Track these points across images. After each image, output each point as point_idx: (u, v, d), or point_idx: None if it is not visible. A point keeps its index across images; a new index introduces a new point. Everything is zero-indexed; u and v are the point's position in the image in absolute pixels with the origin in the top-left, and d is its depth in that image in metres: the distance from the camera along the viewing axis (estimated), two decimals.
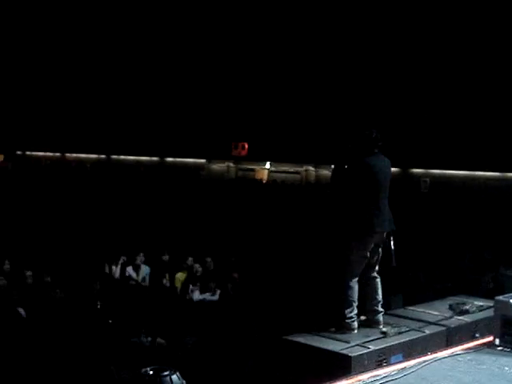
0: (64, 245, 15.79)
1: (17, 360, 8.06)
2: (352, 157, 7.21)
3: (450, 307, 7.91)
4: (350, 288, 7.05)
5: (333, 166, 7.54)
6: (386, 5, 29.97)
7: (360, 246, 7.01)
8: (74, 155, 45.37)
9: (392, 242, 7.17)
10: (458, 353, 6.51)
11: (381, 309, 7.23)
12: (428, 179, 29.75)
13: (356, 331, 6.97)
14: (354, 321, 7.02)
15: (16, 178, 31.50)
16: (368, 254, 7.07)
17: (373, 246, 7.09)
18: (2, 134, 47.70)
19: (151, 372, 3.83)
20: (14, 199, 22.32)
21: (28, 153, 48.42)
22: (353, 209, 7.07)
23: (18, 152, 48.49)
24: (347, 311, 6.98)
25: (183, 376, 3.96)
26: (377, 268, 7.27)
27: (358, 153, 7.15)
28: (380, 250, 7.18)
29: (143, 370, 3.83)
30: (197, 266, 13.40)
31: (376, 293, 7.23)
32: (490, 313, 7.29)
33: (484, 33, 27.23)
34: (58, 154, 46.68)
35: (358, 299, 7.09)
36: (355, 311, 7.04)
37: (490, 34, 27.06)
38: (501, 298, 6.78)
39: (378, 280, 7.28)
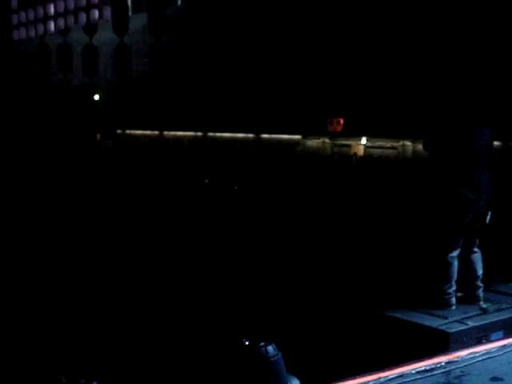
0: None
1: None
2: (450, 127, 7.10)
3: None
4: (448, 263, 6.92)
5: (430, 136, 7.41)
6: None
7: (455, 218, 6.87)
8: (172, 133, 46.23)
9: (489, 215, 6.98)
10: None
11: (480, 284, 7.06)
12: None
13: (454, 307, 6.84)
14: (452, 297, 6.89)
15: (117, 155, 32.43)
16: (464, 227, 6.92)
17: (470, 217, 6.93)
18: (103, 113, 49.23)
19: (247, 342, 3.88)
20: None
21: (128, 131, 49.74)
22: (448, 179, 6.97)
23: (118, 131, 49.90)
24: (446, 287, 6.86)
25: (279, 348, 4.00)
26: (477, 242, 7.10)
27: (456, 124, 7.05)
28: (478, 223, 7.01)
29: (239, 340, 3.89)
30: None
31: (476, 267, 7.07)
32: None
33: None
34: (156, 132, 47.71)
35: (459, 274, 6.95)
36: (454, 287, 6.91)
37: None
38: None
39: (478, 254, 7.11)
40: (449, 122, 7.16)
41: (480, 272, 7.08)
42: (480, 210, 6.95)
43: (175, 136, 45.58)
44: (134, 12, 50.19)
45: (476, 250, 7.11)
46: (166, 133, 46.89)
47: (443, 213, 6.96)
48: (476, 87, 26.72)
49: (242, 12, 38.76)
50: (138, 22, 49.04)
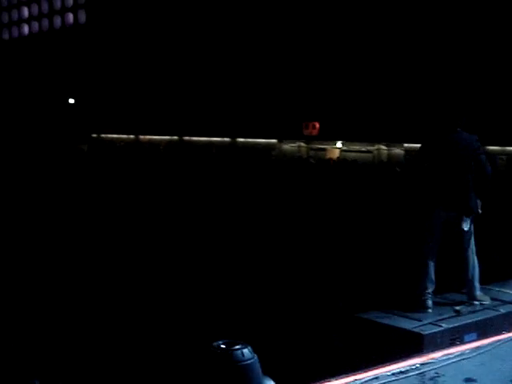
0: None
1: None
2: (429, 134, 7.27)
3: None
4: (423, 266, 7.00)
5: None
6: None
7: (426, 222, 7.00)
8: (148, 137, 46.09)
9: (465, 221, 7.05)
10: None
11: (473, 284, 7.23)
12: (505, 157, 29.07)
13: (431, 310, 6.92)
14: (427, 299, 6.97)
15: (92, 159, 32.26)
16: (437, 232, 7.02)
17: (440, 222, 7.06)
18: (78, 117, 48.94)
19: (223, 346, 3.88)
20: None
21: (103, 135, 49.48)
22: (424, 183, 7.09)
23: (94, 135, 49.62)
24: (421, 290, 6.95)
25: (255, 351, 4.00)
26: (466, 245, 7.19)
27: (438, 130, 7.20)
28: (456, 228, 7.10)
29: (214, 343, 3.89)
30: None
31: (466, 268, 7.23)
32: None
33: None
34: (131, 136, 47.53)
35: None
36: (429, 289, 6.99)
37: None
38: None
39: (467, 257, 7.21)
40: (429, 128, 7.32)
41: (470, 273, 7.17)
42: (452, 216, 7.05)
43: (151, 140, 45.44)
44: None
45: (467, 253, 7.21)
46: (141, 137, 46.74)
47: (418, 217, 7.08)
48: (455, 93, 26.96)
49: (217, 13, 38.78)
50: None
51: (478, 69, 28.47)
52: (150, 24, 42.28)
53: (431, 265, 7.02)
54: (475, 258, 7.28)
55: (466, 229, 7.05)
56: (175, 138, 44.71)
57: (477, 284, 7.28)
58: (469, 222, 7.07)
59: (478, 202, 7.15)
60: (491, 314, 6.85)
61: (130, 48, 43.85)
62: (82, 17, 51.70)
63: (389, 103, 31.25)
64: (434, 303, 7.06)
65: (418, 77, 30.28)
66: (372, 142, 34.10)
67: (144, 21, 42.69)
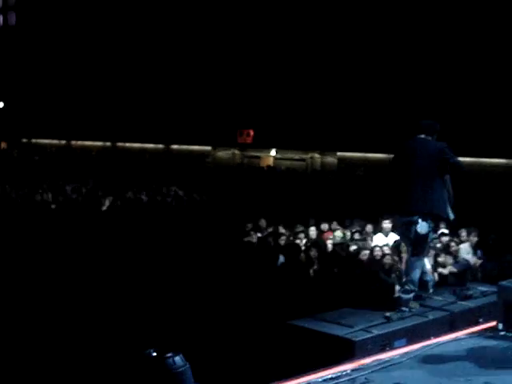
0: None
1: None
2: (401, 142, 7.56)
3: (454, 292, 7.93)
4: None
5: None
6: None
7: (397, 223, 7.29)
8: (80, 142, 45.39)
9: (420, 225, 7.21)
10: (461, 337, 6.53)
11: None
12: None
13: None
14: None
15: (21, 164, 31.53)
16: (404, 232, 7.28)
17: (400, 224, 7.30)
18: (7, 121, 47.83)
19: (154, 353, 3.85)
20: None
21: (34, 140, 48.47)
22: (389, 187, 7.36)
23: (24, 140, 48.57)
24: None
25: (187, 358, 3.98)
26: (418, 249, 7.37)
27: (405, 138, 7.46)
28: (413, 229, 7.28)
29: (146, 351, 3.85)
30: None
31: (408, 270, 7.49)
32: (493, 298, 7.30)
33: None
34: (63, 142, 46.71)
35: None
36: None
37: None
38: (504, 283, 6.79)
39: (414, 260, 7.43)
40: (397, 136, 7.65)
41: (412, 275, 7.37)
42: (409, 220, 7.23)
43: (83, 145, 44.74)
44: None
45: (413, 256, 7.39)
46: (73, 142, 45.97)
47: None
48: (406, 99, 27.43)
49: (155, 19, 38.56)
50: None
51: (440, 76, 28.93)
52: (81, 26, 41.66)
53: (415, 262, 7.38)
54: (421, 265, 7.47)
55: (420, 231, 7.17)
56: (108, 143, 44.16)
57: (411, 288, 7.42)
58: (425, 226, 7.17)
59: (449, 209, 7.29)
60: (420, 320, 6.98)
61: (61, 50, 43.10)
62: (12, 18, 50.62)
63: (323, 112, 31.60)
64: (364, 309, 7.16)
65: (352, 86, 30.73)
66: (306, 150, 34.41)
67: (75, 23, 42.06)
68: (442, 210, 7.21)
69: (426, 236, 7.20)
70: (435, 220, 7.30)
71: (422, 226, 7.16)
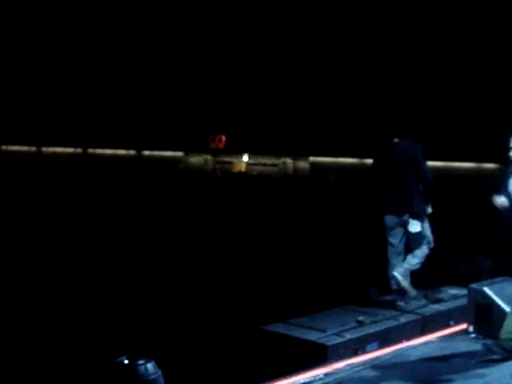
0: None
1: None
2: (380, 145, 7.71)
3: (425, 296, 7.97)
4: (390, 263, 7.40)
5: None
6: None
7: (383, 224, 7.38)
8: (51, 149, 45.02)
9: (412, 224, 7.37)
10: (433, 340, 6.59)
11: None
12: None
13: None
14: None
15: None
16: (389, 233, 7.35)
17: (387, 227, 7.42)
18: None
19: (126, 361, 3.81)
20: None
21: (3, 147, 47.96)
22: (372, 189, 7.51)
23: None
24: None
25: (159, 365, 3.96)
26: (414, 246, 7.62)
27: (383, 141, 7.58)
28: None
29: (118, 358, 3.82)
30: None
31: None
32: (464, 301, 7.35)
33: None
34: (33, 148, 46.30)
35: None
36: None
37: None
38: (474, 286, 6.85)
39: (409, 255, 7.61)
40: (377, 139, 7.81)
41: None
42: (399, 220, 7.36)
43: (54, 152, 44.38)
44: None
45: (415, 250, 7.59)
46: (44, 148, 45.57)
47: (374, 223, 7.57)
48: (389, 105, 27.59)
49: (120, 22, 38.40)
50: None
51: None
52: (40, 28, 41.30)
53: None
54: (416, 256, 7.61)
55: (413, 231, 7.37)
56: (79, 150, 43.88)
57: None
58: (416, 224, 7.38)
59: (425, 205, 7.54)
60: (392, 323, 7.00)
61: (27, 55, 42.73)
62: None
63: (295, 117, 31.72)
64: (338, 314, 7.17)
65: (323, 92, 30.87)
66: (278, 155, 34.49)
67: (32, 25, 41.71)
68: (421, 208, 7.46)
69: (419, 232, 7.47)
70: (417, 217, 7.49)
71: (413, 225, 7.38)
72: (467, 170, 27.94)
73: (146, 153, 40.18)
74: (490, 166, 27.98)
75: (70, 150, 43.81)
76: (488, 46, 27.35)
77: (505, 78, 26.46)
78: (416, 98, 28.50)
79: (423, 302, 7.81)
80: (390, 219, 7.49)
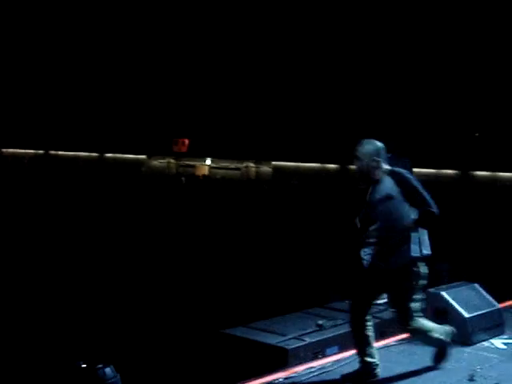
0: None
1: None
2: None
3: (385, 300, 8.05)
4: None
5: None
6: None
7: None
8: (11, 150, 44.48)
9: None
10: (392, 344, 6.65)
11: None
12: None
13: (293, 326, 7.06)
14: None
15: None
16: None
17: None
18: None
19: (84, 365, 3.80)
20: None
21: None
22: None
23: None
24: None
25: (117, 370, 3.95)
26: None
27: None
28: None
29: (77, 362, 3.80)
30: None
31: None
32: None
33: None
34: None
35: None
36: None
37: None
38: (432, 290, 6.94)
39: None
40: None
41: None
42: None
43: (14, 153, 43.84)
44: None
45: None
46: (4, 150, 45.00)
47: None
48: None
49: (90, 24, 38.15)
50: None
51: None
52: (19, 32, 40.91)
53: None
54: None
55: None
56: (41, 151, 43.42)
57: None
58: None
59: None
60: None
61: None
62: None
63: (257, 122, 31.80)
64: (299, 318, 7.20)
65: (286, 97, 31.00)
66: (241, 159, 34.55)
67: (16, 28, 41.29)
68: None
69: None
70: None
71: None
72: (426, 176, 28.31)
73: (109, 155, 39.93)
74: (449, 171, 28.42)
75: (31, 151, 43.33)
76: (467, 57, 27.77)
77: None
78: (374, 101, 28.82)
79: (382, 306, 7.89)
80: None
